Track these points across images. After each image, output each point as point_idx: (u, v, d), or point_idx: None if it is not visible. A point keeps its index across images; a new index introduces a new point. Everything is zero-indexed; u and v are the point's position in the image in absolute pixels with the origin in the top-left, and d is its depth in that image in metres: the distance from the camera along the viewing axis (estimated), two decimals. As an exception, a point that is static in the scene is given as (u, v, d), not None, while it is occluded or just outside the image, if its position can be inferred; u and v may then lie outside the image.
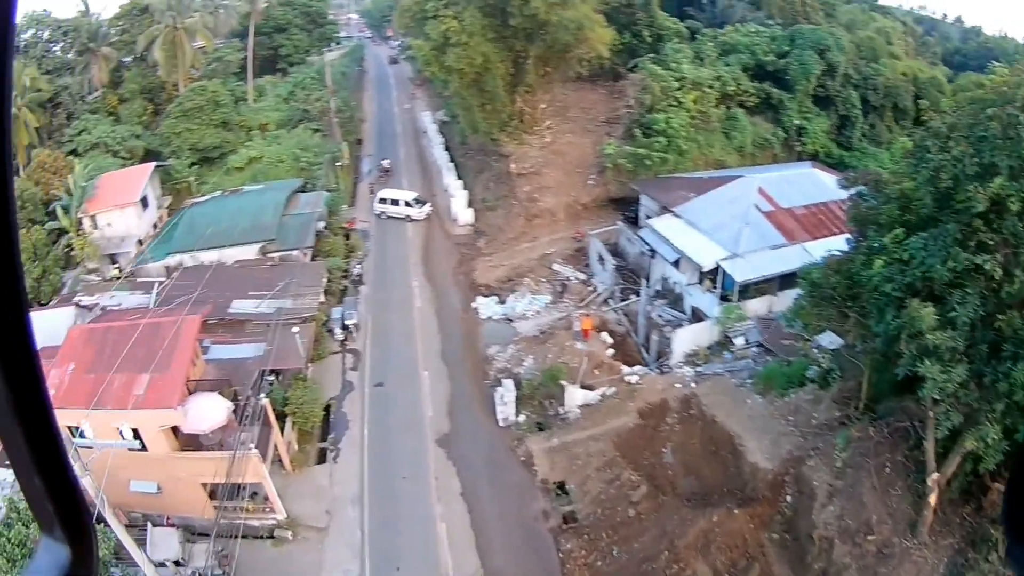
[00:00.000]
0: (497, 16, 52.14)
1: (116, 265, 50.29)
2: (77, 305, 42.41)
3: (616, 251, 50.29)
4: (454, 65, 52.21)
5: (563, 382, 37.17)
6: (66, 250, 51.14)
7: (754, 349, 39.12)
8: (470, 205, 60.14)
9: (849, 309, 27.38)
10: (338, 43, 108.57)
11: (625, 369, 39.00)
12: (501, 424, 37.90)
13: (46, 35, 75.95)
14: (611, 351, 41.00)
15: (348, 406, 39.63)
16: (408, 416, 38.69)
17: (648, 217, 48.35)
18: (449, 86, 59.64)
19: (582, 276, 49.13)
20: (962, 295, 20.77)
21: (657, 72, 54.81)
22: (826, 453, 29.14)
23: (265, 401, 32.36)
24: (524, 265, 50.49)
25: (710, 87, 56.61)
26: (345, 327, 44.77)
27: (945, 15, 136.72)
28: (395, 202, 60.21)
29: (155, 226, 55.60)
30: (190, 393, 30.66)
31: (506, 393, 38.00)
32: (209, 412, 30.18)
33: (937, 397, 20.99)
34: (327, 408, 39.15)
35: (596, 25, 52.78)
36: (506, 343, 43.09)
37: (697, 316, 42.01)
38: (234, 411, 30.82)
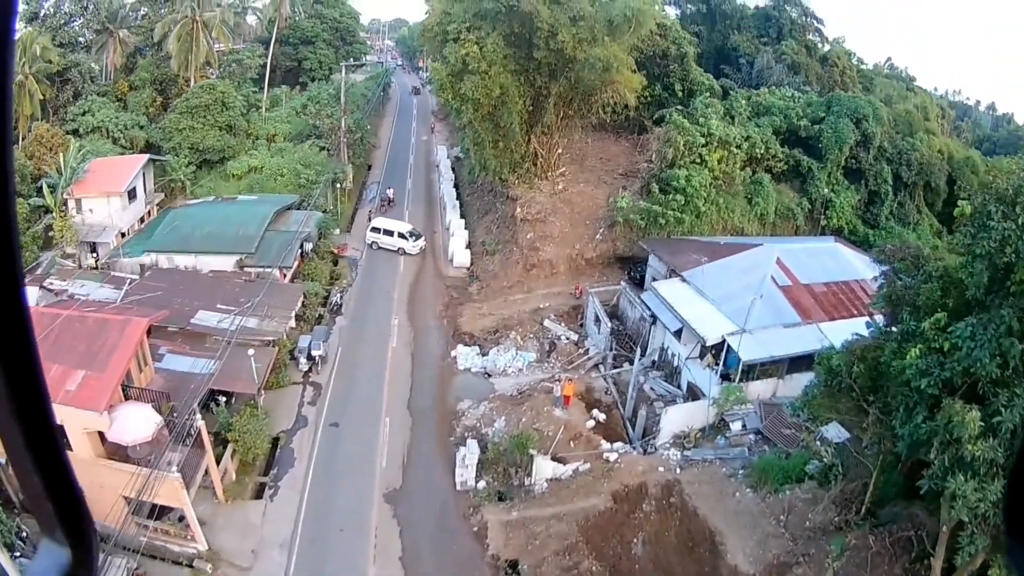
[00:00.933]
0: (522, 47, 48.98)
1: (94, 254, 48.44)
2: (45, 288, 40.45)
3: (615, 313, 46.45)
4: (470, 94, 48.95)
5: (532, 451, 33.08)
6: (46, 230, 48.29)
7: (751, 436, 34.96)
8: (469, 247, 56.73)
9: (870, 404, 24.01)
10: (364, 64, 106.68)
11: (604, 444, 34.75)
12: (459, 488, 33.81)
13: (66, 6, 73.99)
14: (592, 423, 36.77)
15: (298, 442, 35.89)
16: (359, 463, 34.92)
17: (654, 279, 44.58)
18: (462, 116, 56.64)
19: (574, 336, 45.13)
20: (1009, 396, 17.39)
21: (683, 125, 51.42)
22: (818, 561, 25.97)
23: (200, 423, 29.52)
24: (514, 317, 46.58)
25: (738, 147, 53.15)
26: (311, 357, 41.25)
27: (979, 101, 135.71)
28: (389, 233, 56.61)
29: (142, 220, 53.38)
30: (126, 399, 29.03)
31: (468, 455, 33.97)
32: (136, 424, 27.97)
33: (966, 519, 17.71)
34: (276, 440, 35.70)
35: (625, 67, 49.56)
36: (480, 399, 39.11)
37: (693, 393, 37.94)
38: (168, 428, 28.75)
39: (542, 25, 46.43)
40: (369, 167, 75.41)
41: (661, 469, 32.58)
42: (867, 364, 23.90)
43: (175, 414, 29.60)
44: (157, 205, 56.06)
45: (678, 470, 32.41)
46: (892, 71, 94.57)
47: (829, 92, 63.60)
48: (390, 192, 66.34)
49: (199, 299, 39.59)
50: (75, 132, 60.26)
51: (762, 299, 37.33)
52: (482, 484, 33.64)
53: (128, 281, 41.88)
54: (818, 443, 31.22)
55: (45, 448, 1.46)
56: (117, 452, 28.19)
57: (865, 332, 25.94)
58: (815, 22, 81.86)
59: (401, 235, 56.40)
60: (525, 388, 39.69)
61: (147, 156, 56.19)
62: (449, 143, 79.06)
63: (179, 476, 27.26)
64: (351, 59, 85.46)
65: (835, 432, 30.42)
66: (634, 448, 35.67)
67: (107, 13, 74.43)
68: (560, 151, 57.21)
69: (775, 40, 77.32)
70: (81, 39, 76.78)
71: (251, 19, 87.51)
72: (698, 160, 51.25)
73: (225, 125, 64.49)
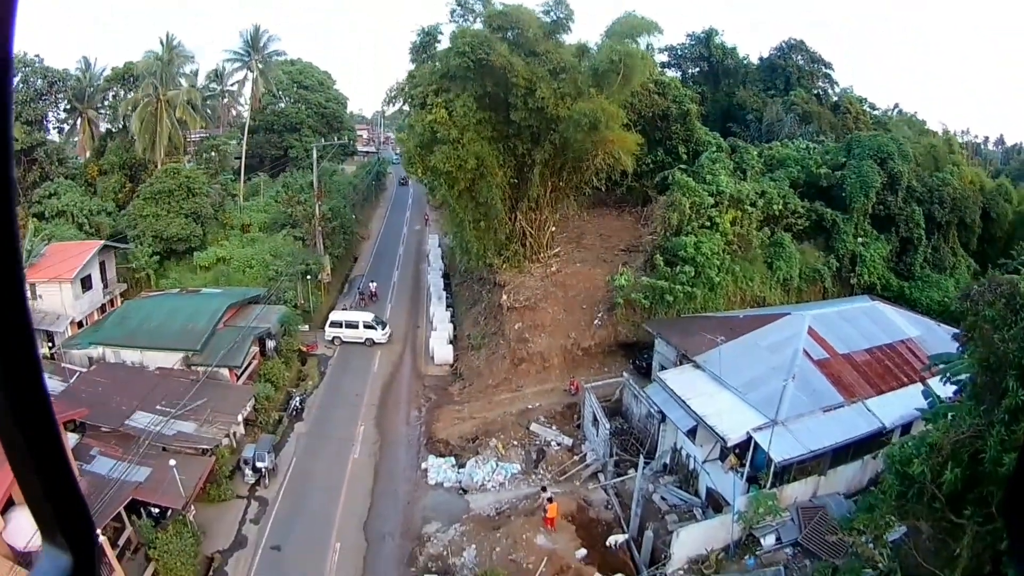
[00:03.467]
0: (497, 108, 43.04)
1: (49, 343, 45.14)
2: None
3: (619, 410, 38.66)
4: (441, 166, 42.58)
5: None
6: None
7: (788, 551, 27.07)
8: (455, 341, 49.64)
9: (966, 518, 16.53)
10: (355, 153, 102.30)
11: (599, 580, 26.84)
12: (414, 637, 26.22)
13: (39, 83, 69.50)
14: (583, 551, 28.61)
15: (233, 566, 29.70)
16: None
17: (663, 368, 37.14)
18: (436, 194, 50.52)
19: (567, 441, 37.21)
20: None
21: (688, 184, 44.69)
22: None
23: (101, 539, 25.27)
24: (498, 421, 38.88)
25: (752, 205, 46.24)
26: (256, 469, 34.75)
27: (987, 137, 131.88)
28: (352, 325, 50.04)
29: (103, 310, 49.68)
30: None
31: (426, 596, 26.46)
32: (32, 529, 22.45)
33: None
34: (211, 560, 29.75)
35: (617, 123, 42.52)
36: (452, 521, 31.55)
37: (714, 502, 30.09)
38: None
39: (518, 81, 40.76)
40: (355, 259, 69.22)
41: (674, 606, 24.83)
42: (962, 465, 16.63)
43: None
44: (121, 296, 52.34)
45: (697, 610, 24.68)
46: (902, 116, 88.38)
47: (846, 138, 56.95)
48: (372, 286, 59.72)
49: (139, 398, 35.81)
50: (40, 215, 56.89)
51: (795, 380, 29.84)
52: (444, 631, 26.06)
53: (76, 374, 38.64)
54: (870, 545, 23.59)
55: (46, 452, 1.42)
56: (23, 557, 24.09)
57: (923, 402, 21.59)
58: (823, 68, 76.15)
59: (367, 325, 49.96)
60: (505, 507, 32.06)
61: (101, 243, 51.69)
62: (444, 232, 72.96)
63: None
64: (329, 141, 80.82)
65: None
66: (640, 581, 27.66)
67: (75, 91, 71.18)
68: (553, 229, 50.58)
69: (783, 92, 71.51)
70: (50, 119, 73.74)
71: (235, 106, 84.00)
72: (708, 224, 44.37)
73: (191, 213, 58.98)
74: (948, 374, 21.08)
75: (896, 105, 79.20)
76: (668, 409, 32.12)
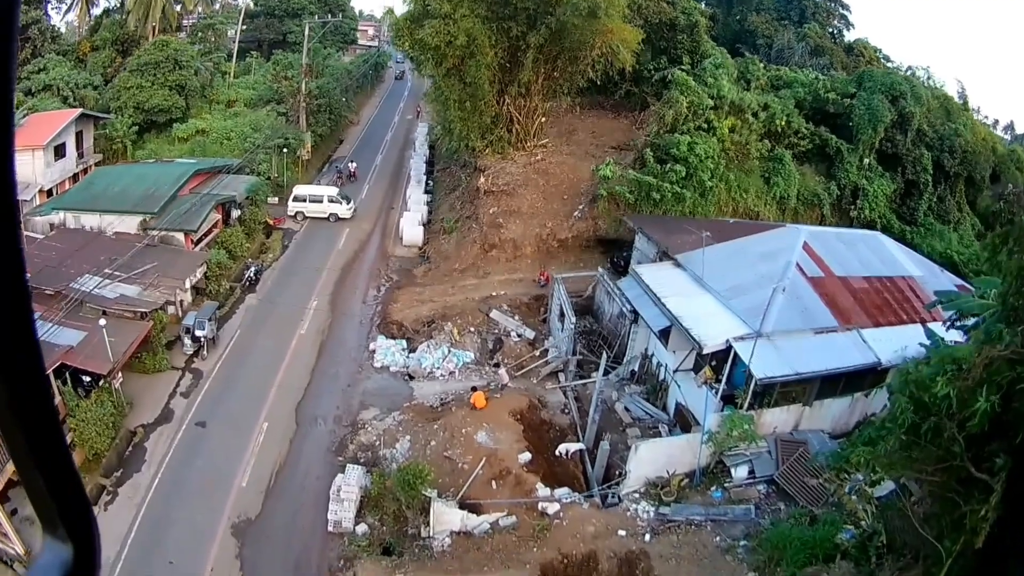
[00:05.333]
0: (493, -13, 37.44)
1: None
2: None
3: (590, 308, 33.58)
4: (429, 40, 37.48)
5: (428, 492, 20.70)
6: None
7: (761, 488, 22.39)
8: (428, 225, 44.47)
9: (997, 471, 11.90)
10: (354, 42, 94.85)
11: (542, 489, 22.02)
12: (331, 529, 21.87)
13: None
14: (528, 455, 23.60)
15: (154, 441, 25.79)
16: (215, 477, 24.22)
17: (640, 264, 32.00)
18: (423, 70, 44.69)
19: (529, 333, 32.18)
20: None
21: (688, 83, 38.81)
22: None
23: None
24: (458, 306, 33.86)
25: (753, 115, 40.34)
26: (196, 338, 30.14)
27: (997, 121, 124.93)
28: (316, 199, 44.74)
29: (76, 180, 44.45)
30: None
31: (345, 486, 21.86)
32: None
33: None
34: (133, 435, 26.05)
35: (616, 12, 37.51)
36: (392, 409, 26.85)
37: (683, 419, 25.30)
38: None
39: (515, -43, 34.82)
40: (341, 142, 62.95)
41: (622, 532, 20.36)
42: (997, 393, 11.84)
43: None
44: (96, 166, 46.61)
45: (648, 536, 20.28)
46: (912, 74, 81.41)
47: (857, 72, 50.61)
48: (352, 165, 53.72)
49: (89, 262, 31.66)
50: (29, 92, 51.87)
51: (784, 293, 24.75)
52: (363, 528, 21.84)
53: (33, 241, 34.67)
54: (853, 496, 18.97)
55: (47, 445, 1.33)
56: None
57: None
58: (840, 7, 68.89)
59: (331, 199, 44.80)
60: (450, 398, 27.22)
61: (79, 111, 46.43)
62: (434, 123, 66.84)
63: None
64: (328, 23, 73.95)
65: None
66: (588, 496, 22.89)
67: None
68: (543, 119, 44.80)
69: (796, 23, 64.39)
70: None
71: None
72: (704, 127, 38.60)
73: (176, 85, 53.45)
74: (956, 312, 16.32)
75: (909, 67, 71.84)
76: (641, 306, 27.03)
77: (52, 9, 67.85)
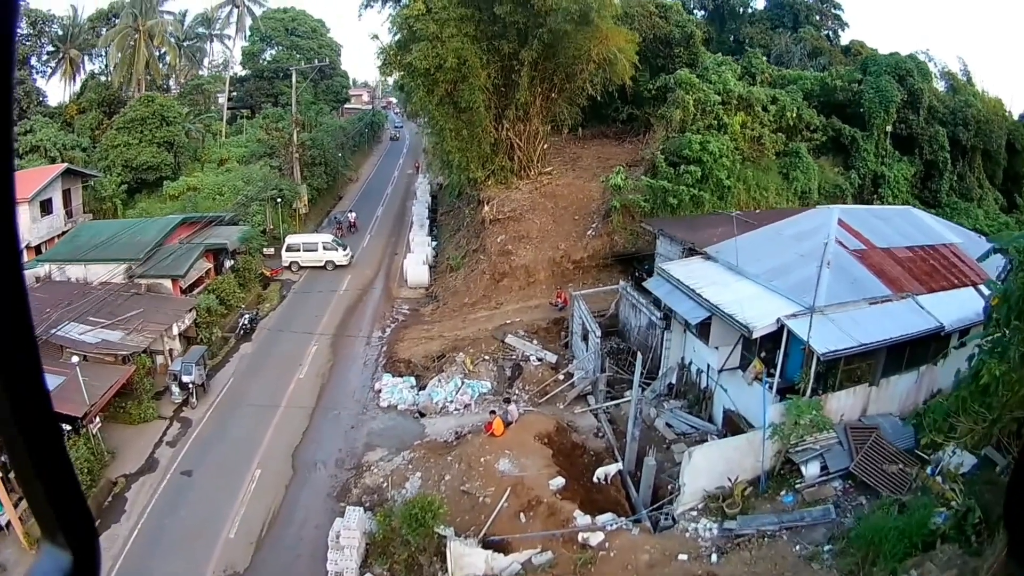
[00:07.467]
0: (480, 5, 35.76)
1: None
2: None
3: (614, 325, 30.35)
4: (418, 64, 35.43)
5: (442, 529, 17.41)
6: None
7: (837, 483, 18.94)
8: (433, 267, 41.74)
9: None
10: (347, 100, 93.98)
11: (581, 518, 18.51)
12: (330, 581, 18.47)
13: (22, 24, 62.68)
14: (560, 480, 20.21)
15: (136, 491, 23.54)
16: (199, 529, 21.47)
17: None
18: (413, 100, 42.68)
19: (550, 357, 28.92)
20: None
21: (692, 81, 36.63)
22: None
23: None
24: (470, 337, 30.75)
25: (764, 109, 38.04)
26: (183, 386, 27.62)
27: (1010, 110, 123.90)
28: (310, 247, 42.27)
29: (63, 236, 42.91)
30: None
31: (345, 531, 18.63)
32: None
33: None
34: (113, 485, 23.85)
35: (608, 13, 35.72)
36: (400, 448, 23.79)
37: (733, 427, 21.91)
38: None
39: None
40: (340, 198, 60.86)
41: (683, 557, 16.88)
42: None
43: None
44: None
45: (714, 556, 16.89)
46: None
47: (860, 59, 49.07)
48: (351, 215, 51.31)
49: (74, 312, 30.14)
50: (15, 153, 48.19)
51: (830, 267, 21.70)
52: (368, 579, 18.19)
53: None
54: (937, 478, 15.90)
55: (46, 451, 1.30)
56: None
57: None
58: (833, 8, 67.49)
59: (326, 246, 42.36)
60: (466, 431, 24.05)
61: (64, 166, 45.53)
62: (435, 174, 64.96)
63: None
64: (317, 83, 72.70)
65: (957, 458, 16.09)
66: (637, 520, 19.30)
67: (60, 29, 65.46)
68: (545, 145, 42.61)
69: (792, 28, 63.03)
70: (34, 65, 66.66)
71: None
72: (715, 124, 36.24)
73: (164, 141, 51.97)
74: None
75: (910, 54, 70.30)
76: (673, 302, 23.87)
77: (37, 73, 68.31)
